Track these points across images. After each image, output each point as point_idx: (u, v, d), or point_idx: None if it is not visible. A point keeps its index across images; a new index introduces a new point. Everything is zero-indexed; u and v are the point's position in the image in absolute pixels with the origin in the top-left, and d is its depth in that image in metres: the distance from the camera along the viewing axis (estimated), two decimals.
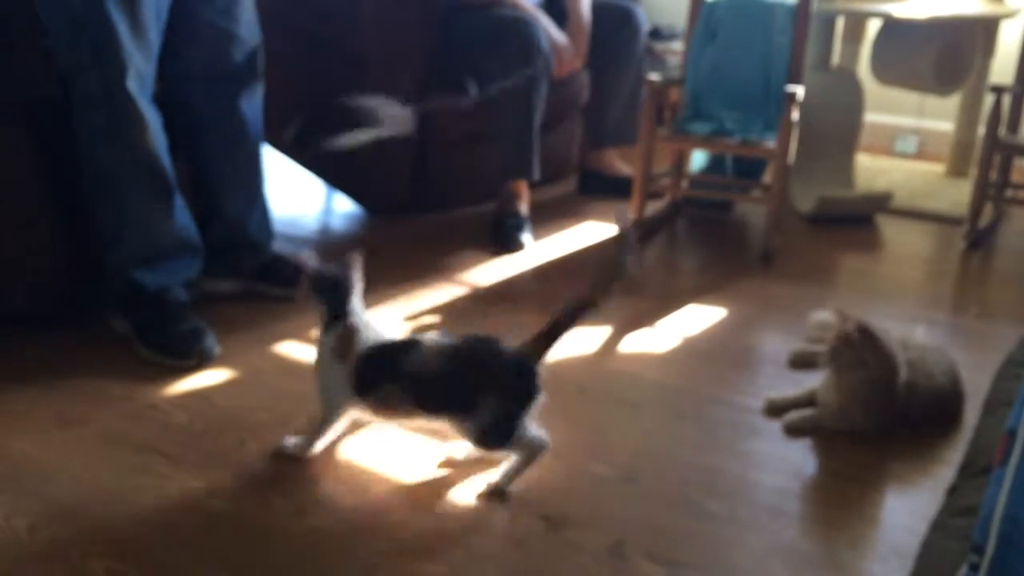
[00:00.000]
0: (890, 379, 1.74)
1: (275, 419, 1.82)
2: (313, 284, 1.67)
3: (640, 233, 2.86)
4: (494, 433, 1.58)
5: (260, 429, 1.78)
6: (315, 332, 1.70)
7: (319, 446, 1.69)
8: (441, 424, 1.63)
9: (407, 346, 1.62)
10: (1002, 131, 2.86)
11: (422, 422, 1.66)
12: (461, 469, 1.68)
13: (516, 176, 2.86)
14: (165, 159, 2.03)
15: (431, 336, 1.64)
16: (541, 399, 1.59)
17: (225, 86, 2.18)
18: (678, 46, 3.76)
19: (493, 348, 1.60)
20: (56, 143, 2.02)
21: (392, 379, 1.60)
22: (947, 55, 3.19)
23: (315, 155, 3.05)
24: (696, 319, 2.33)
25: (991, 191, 2.96)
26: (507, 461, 1.62)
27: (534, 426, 1.61)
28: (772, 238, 2.74)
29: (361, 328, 1.65)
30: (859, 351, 1.73)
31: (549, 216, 3.01)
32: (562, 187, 3.30)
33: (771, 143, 2.68)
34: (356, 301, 1.67)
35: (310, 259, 1.69)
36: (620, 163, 3.30)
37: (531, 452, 1.61)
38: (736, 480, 1.67)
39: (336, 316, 1.65)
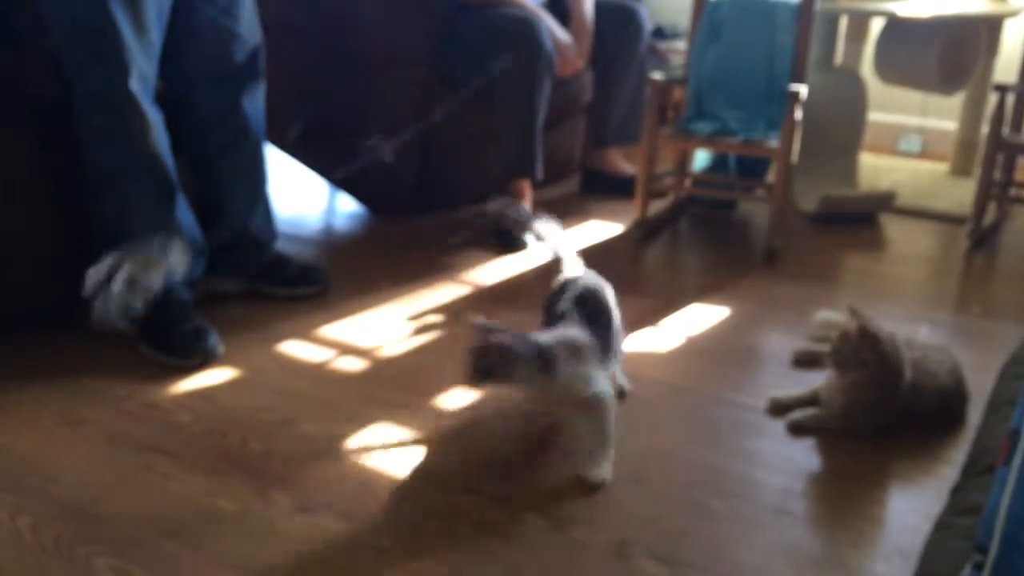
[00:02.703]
0: (892, 380, 1.74)
1: (278, 418, 1.82)
2: (519, 359, 1.53)
3: (644, 233, 2.85)
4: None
5: (263, 428, 1.79)
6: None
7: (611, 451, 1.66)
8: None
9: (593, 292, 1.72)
10: (1006, 130, 2.85)
11: None
12: (464, 469, 1.68)
13: (519, 176, 2.85)
14: (167, 159, 2.03)
15: (566, 278, 1.75)
16: None
17: (227, 85, 2.18)
18: (681, 45, 3.75)
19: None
20: (58, 143, 2.02)
21: (595, 325, 1.68)
22: (951, 54, 3.18)
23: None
24: (699, 318, 2.33)
25: (995, 190, 2.95)
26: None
27: None
28: (775, 237, 2.74)
29: (554, 340, 1.60)
30: (858, 351, 1.73)
31: (552, 215, 3.00)
32: (565, 187, 3.30)
33: (774, 142, 2.68)
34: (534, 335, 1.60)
35: (495, 338, 1.53)
36: (623, 162, 3.29)
37: None
38: (739, 479, 1.67)
39: (548, 360, 1.56)
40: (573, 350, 1.60)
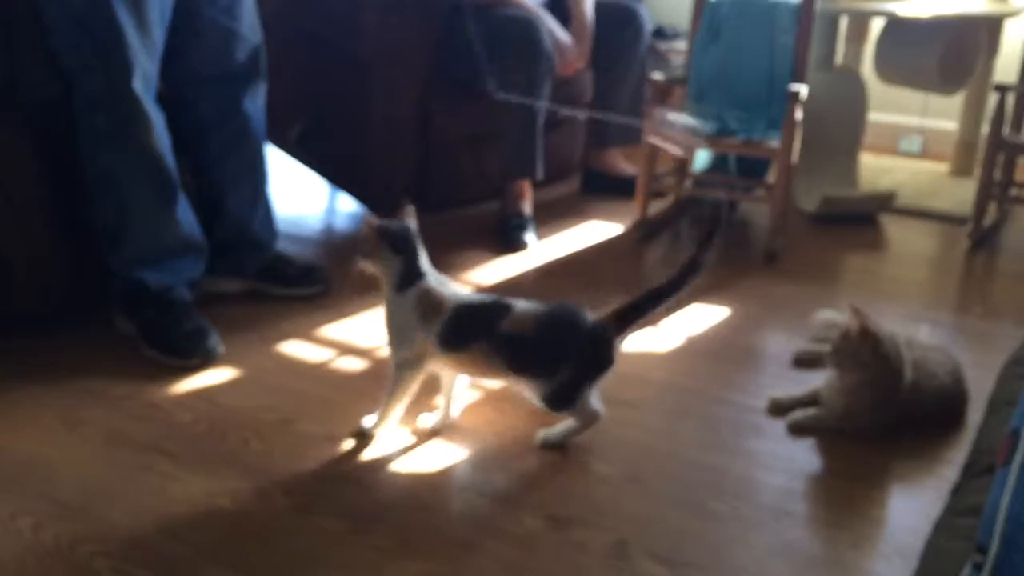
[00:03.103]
0: (892, 381, 1.74)
1: (279, 418, 1.82)
2: (384, 239, 1.68)
3: (644, 233, 2.86)
4: (561, 396, 1.69)
5: (264, 428, 1.79)
6: (381, 291, 1.73)
7: (398, 415, 1.75)
8: (515, 382, 1.72)
9: (501, 308, 1.69)
10: (1006, 130, 2.85)
11: (498, 379, 1.76)
12: (464, 469, 1.68)
13: (520, 175, 2.86)
14: (169, 159, 2.03)
15: (520, 301, 1.71)
16: (612, 371, 1.70)
17: (228, 85, 2.18)
18: (682, 45, 3.75)
19: (579, 317, 1.69)
20: (59, 143, 2.02)
21: (485, 338, 1.67)
22: (951, 54, 3.18)
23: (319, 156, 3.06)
24: (700, 318, 2.33)
25: (995, 190, 2.95)
26: (565, 422, 1.73)
27: (595, 395, 1.70)
28: (776, 237, 2.74)
29: (440, 287, 1.70)
30: (859, 351, 1.73)
31: (552, 216, 3.00)
32: (565, 187, 3.30)
33: (775, 142, 2.68)
34: (424, 258, 1.71)
35: (371, 218, 1.70)
36: (623, 163, 3.29)
37: (586, 420, 1.71)
38: (739, 480, 1.67)
39: (410, 275, 1.68)
40: (431, 303, 1.68)
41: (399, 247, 1.68)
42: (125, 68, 1.89)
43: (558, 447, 1.73)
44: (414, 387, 1.73)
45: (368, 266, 1.70)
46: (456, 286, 1.76)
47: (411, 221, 1.73)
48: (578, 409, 1.71)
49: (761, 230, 2.96)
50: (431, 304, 1.68)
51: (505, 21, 2.76)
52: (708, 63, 2.88)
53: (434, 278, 1.72)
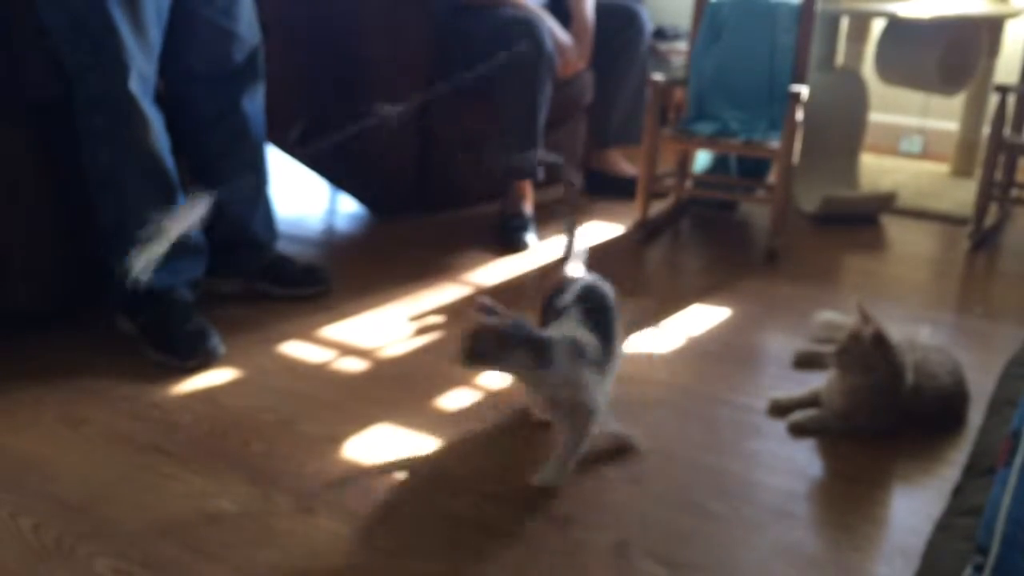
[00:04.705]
0: (893, 384, 1.74)
1: (280, 419, 1.82)
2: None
3: (645, 234, 2.85)
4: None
5: (264, 429, 1.78)
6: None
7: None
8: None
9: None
10: (1007, 131, 2.85)
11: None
12: (464, 469, 1.68)
13: (520, 176, 2.86)
14: (168, 159, 2.03)
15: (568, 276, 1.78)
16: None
17: (226, 85, 2.18)
18: (682, 46, 3.75)
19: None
20: (58, 143, 2.02)
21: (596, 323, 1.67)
22: (952, 55, 3.18)
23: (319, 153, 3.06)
24: (700, 319, 2.33)
25: (996, 191, 2.95)
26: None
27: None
28: (776, 238, 2.74)
29: (542, 339, 1.58)
30: (868, 356, 1.72)
31: (553, 216, 3.00)
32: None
33: (775, 143, 2.68)
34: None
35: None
36: (624, 163, 3.29)
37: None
38: (740, 480, 1.67)
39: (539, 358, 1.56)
40: (574, 350, 1.57)
41: (526, 345, 1.54)
42: (121, 69, 1.88)
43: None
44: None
45: None
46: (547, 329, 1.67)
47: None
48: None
49: (761, 231, 2.96)
50: (576, 353, 1.60)
51: (506, 21, 2.76)
52: (709, 64, 2.88)
53: (547, 333, 1.61)
